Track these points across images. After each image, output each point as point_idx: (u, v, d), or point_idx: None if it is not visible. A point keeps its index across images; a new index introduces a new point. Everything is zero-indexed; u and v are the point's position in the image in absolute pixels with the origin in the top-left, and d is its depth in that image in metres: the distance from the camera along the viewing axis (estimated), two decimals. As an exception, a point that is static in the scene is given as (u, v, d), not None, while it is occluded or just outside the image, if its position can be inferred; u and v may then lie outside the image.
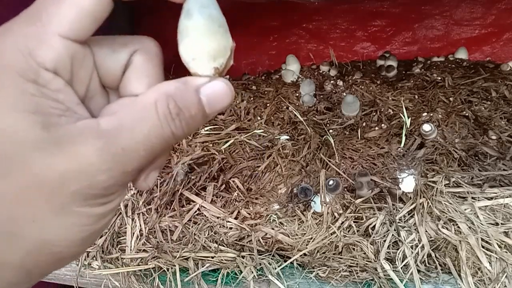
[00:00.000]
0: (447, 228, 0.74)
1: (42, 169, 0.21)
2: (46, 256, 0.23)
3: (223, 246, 0.80)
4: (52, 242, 0.23)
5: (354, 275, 0.72)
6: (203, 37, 0.25)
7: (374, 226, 0.78)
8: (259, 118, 1.11)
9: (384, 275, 0.71)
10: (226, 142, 1.02)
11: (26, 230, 0.22)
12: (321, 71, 1.34)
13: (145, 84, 0.26)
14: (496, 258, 0.70)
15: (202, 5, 0.25)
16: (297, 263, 0.77)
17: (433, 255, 0.72)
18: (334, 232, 0.78)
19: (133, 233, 0.87)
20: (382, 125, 1.02)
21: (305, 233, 0.80)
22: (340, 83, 1.24)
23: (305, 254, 0.77)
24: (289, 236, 0.80)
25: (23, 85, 0.21)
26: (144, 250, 0.83)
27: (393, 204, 0.80)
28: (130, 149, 0.23)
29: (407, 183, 0.83)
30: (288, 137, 1.02)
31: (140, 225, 0.87)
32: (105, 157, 0.22)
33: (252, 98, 1.20)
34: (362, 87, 1.19)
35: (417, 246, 0.73)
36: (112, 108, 0.25)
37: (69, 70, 0.23)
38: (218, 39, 0.25)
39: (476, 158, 0.88)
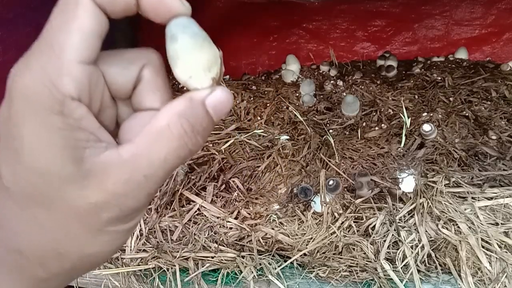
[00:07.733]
0: (447, 228, 0.74)
1: (77, 201, 0.24)
2: (85, 265, 0.28)
3: (223, 246, 0.80)
4: (91, 256, 0.27)
5: (354, 275, 0.72)
6: (194, 54, 0.26)
7: (374, 226, 0.78)
8: (259, 118, 1.11)
9: (384, 275, 0.71)
10: (226, 142, 1.01)
11: (70, 249, 0.26)
12: (321, 71, 1.34)
13: (157, 98, 0.28)
14: (496, 258, 0.70)
15: (183, 26, 0.26)
16: (297, 263, 0.77)
17: (433, 255, 0.72)
18: (334, 232, 0.78)
19: (133, 233, 0.87)
20: (382, 125, 1.02)
21: (305, 233, 0.80)
22: (340, 83, 1.24)
23: (305, 254, 0.77)
24: (289, 236, 0.80)
25: (51, 120, 0.22)
26: (144, 250, 0.83)
27: (393, 204, 0.80)
28: (150, 175, 0.25)
29: (407, 183, 0.83)
30: (288, 137, 1.02)
31: (140, 225, 0.87)
32: (131, 186, 0.25)
33: (252, 98, 1.20)
34: (362, 87, 1.19)
35: (417, 246, 0.73)
36: (131, 130, 0.28)
37: (88, 94, 0.24)
38: (207, 51, 0.26)
39: (476, 158, 0.88)
